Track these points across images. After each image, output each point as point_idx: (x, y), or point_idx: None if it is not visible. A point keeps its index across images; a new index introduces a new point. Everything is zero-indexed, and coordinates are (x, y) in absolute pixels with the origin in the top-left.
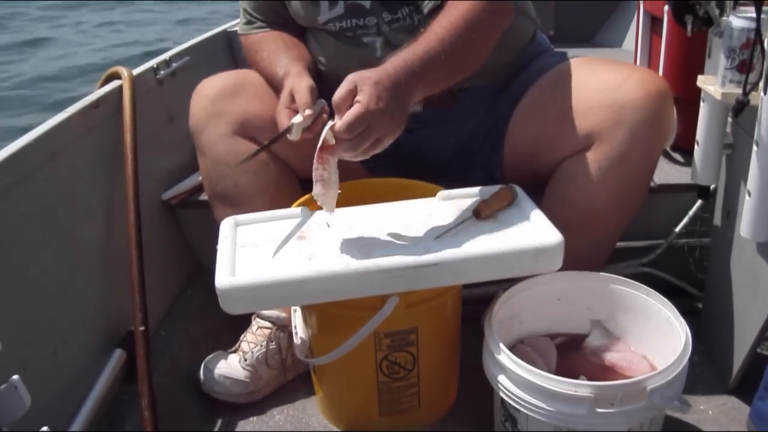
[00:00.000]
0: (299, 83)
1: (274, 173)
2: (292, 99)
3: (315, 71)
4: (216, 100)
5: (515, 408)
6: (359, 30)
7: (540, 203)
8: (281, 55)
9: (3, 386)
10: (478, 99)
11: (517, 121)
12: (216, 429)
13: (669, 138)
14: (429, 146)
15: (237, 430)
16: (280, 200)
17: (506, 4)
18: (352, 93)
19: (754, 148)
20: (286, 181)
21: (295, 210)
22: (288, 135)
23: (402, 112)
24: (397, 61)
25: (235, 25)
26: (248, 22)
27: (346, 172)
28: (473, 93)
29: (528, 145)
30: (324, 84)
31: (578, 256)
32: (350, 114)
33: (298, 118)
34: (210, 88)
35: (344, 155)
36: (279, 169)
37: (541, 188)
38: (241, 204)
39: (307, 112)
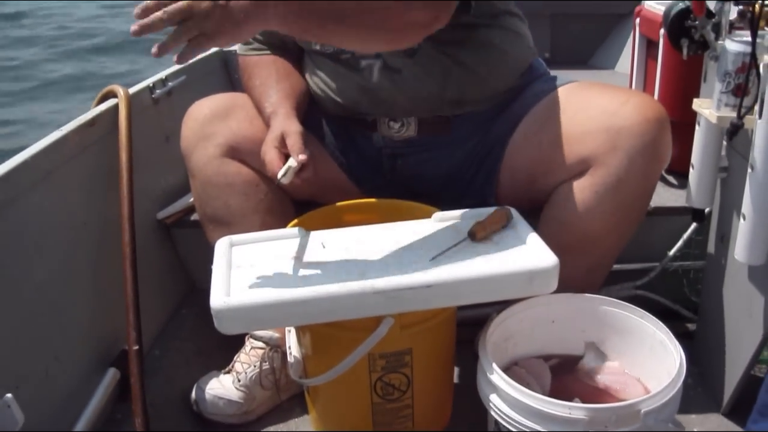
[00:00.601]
0: (290, 127)
1: (264, 194)
2: (282, 141)
3: (306, 101)
4: (206, 122)
5: (509, 430)
6: (357, 52)
7: (535, 227)
8: (272, 89)
9: None
10: (473, 125)
11: (513, 148)
12: None
13: (666, 164)
14: (423, 170)
15: None
16: (272, 221)
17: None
18: None
19: (749, 171)
20: (277, 202)
21: (290, 230)
22: (280, 179)
23: (234, 18)
24: None
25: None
26: (247, 42)
27: (340, 193)
28: (468, 119)
29: (525, 171)
30: (318, 107)
31: (574, 280)
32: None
33: (292, 162)
34: (201, 111)
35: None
36: (270, 191)
37: (536, 212)
38: (231, 225)
39: (302, 156)
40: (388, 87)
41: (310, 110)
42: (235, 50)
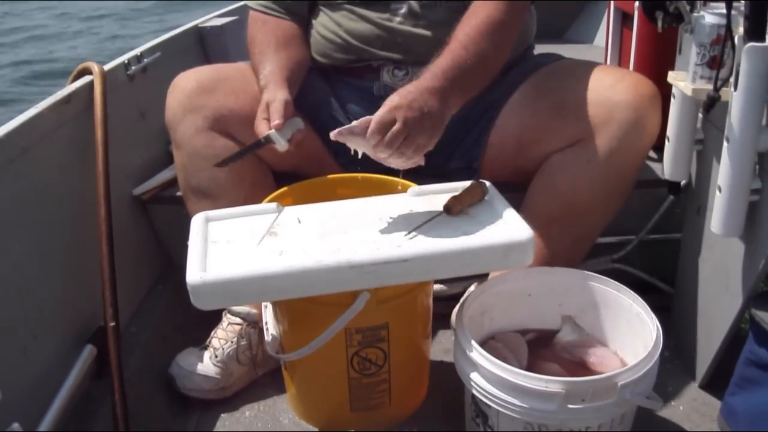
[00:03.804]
0: (275, 95)
1: (250, 168)
2: (268, 110)
3: (302, 71)
4: (192, 94)
5: (486, 404)
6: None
7: (518, 200)
8: (268, 59)
9: None
10: None
11: (507, 112)
12: (187, 425)
13: (654, 139)
14: None
15: (207, 426)
16: (256, 195)
17: (524, 3)
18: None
19: (725, 143)
20: (262, 176)
21: (266, 206)
22: (275, 145)
23: (437, 114)
24: (428, 74)
25: (207, 20)
26: None
27: (318, 166)
28: None
29: (516, 137)
30: (321, 77)
31: (558, 250)
32: (380, 110)
33: (271, 130)
34: (187, 82)
35: (385, 157)
36: (255, 164)
37: (516, 188)
38: (216, 197)
39: (277, 122)
40: (409, 31)
41: (307, 77)
42: (210, 26)
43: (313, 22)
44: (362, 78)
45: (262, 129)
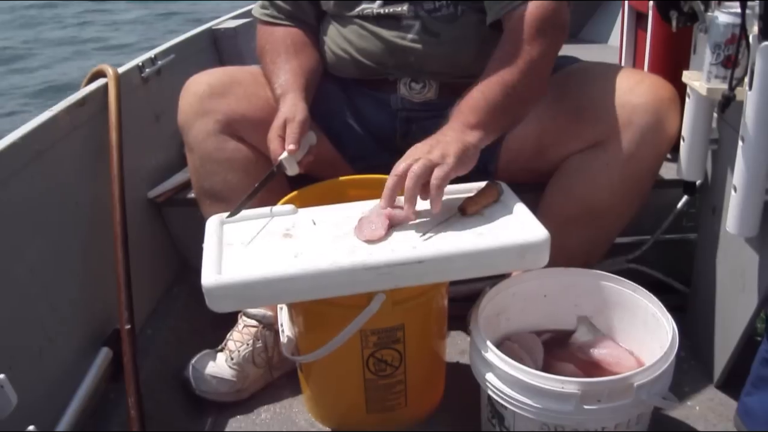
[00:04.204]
0: (294, 114)
1: (262, 171)
2: (285, 128)
3: (317, 77)
4: (204, 98)
5: (502, 405)
6: (399, 15)
7: (532, 200)
8: (281, 68)
9: None
10: None
11: None
12: (203, 428)
13: (673, 142)
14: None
15: (224, 428)
16: (268, 198)
17: (564, 19)
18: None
19: (740, 143)
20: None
21: (280, 208)
22: (285, 171)
23: (451, 137)
24: (454, 115)
25: (220, 22)
26: (263, 6)
27: (332, 170)
28: None
29: (534, 140)
30: (333, 78)
31: (574, 252)
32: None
33: (284, 154)
34: (199, 86)
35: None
36: (268, 167)
37: (530, 188)
38: (229, 200)
39: (291, 147)
40: (421, 50)
41: (322, 83)
42: (224, 28)
43: (324, 38)
44: (379, 89)
45: (276, 147)
